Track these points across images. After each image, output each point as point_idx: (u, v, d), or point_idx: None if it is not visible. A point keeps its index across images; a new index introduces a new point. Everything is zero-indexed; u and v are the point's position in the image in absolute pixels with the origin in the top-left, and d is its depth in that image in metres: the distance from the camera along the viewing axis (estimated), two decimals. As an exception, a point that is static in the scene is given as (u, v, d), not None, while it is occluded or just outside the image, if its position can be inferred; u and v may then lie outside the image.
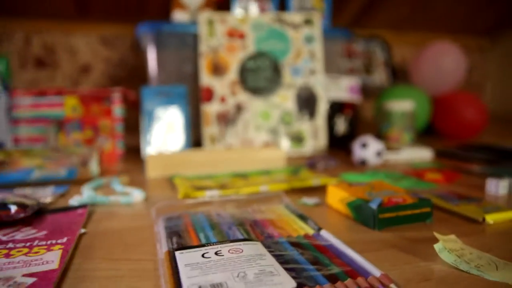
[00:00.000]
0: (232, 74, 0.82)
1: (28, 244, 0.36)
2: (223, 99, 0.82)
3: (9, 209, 0.42)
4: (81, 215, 0.44)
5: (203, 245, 0.33)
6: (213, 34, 0.82)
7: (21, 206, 0.43)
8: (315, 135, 0.84)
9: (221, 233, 0.37)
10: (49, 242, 0.36)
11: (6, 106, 0.73)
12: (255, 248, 0.33)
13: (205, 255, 0.31)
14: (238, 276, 0.28)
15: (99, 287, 0.29)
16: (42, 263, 0.31)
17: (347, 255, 0.32)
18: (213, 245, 0.33)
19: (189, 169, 0.66)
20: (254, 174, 0.63)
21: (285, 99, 0.84)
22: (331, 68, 0.94)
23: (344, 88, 0.93)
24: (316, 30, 0.85)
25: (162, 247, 0.34)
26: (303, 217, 0.41)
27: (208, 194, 0.50)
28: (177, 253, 0.32)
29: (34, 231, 0.40)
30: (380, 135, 0.97)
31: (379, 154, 0.68)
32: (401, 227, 0.41)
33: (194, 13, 0.90)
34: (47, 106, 0.77)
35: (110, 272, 0.31)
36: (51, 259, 0.32)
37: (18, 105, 0.76)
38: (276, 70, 0.84)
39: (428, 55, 1.04)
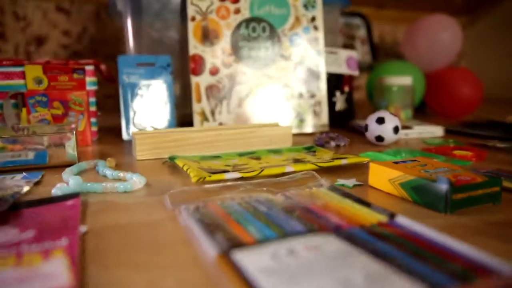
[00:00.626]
0: (224, 42, 0.73)
1: (13, 250, 0.26)
2: (214, 71, 0.73)
3: (-24, 203, 0.31)
4: (73, 208, 0.34)
5: (261, 242, 0.26)
6: (202, -5, 0.72)
7: (-8, 199, 0.32)
8: (315, 112, 0.78)
9: (273, 224, 0.29)
10: (42, 246, 0.27)
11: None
12: (333, 243, 0.25)
13: (276, 256, 0.24)
14: (340, 284, 0.20)
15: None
16: (45, 278, 0.22)
17: (450, 246, 0.26)
18: (275, 241, 0.26)
19: (184, 149, 0.57)
20: (264, 154, 0.56)
21: (284, 72, 0.76)
22: (327, 39, 0.87)
23: (342, 61, 0.87)
24: (317, -6, 0.78)
25: (207, 248, 0.26)
26: (363, 202, 0.34)
27: (227, 177, 0.42)
28: (237, 254, 0.24)
29: (14, 231, 0.30)
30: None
31: (396, 130, 0.63)
32: (471, 210, 0.35)
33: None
34: (3, 76, 0.64)
35: (149, 285, 0.23)
36: (56, 271, 0.23)
37: (-35, 76, 0.63)
38: (273, 39, 0.76)
39: (423, 28, 1.01)
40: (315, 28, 0.78)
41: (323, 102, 0.78)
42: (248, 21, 0.75)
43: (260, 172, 0.44)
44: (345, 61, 0.88)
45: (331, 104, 0.85)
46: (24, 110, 0.64)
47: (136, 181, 0.42)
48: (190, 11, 0.72)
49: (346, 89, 0.88)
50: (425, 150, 0.60)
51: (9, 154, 0.51)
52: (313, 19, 0.78)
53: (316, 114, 0.78)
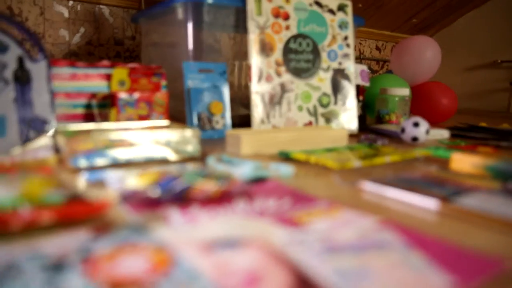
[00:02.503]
0: (277, 54, 0.88)
1: (301, 209, 0.39)
2: (269, 79, 0.87)
3: (224, 182, 0.43)
4: (281, 185, 0.47)
5: (451, 196, 0.42)
6: (261, 12, 0.86)
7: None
8: (347, 118, 0.96)
9: (439, 187, 0.45)
10: (315, 206, 0.40)
11: (47, 76, 0.65)
12: (497, 196, 0.43)
13: (485, 199, 0.40)
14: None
15: None
16: (355, 221, 0.36)
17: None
18: (458, 194, 0.42)
19: (274, 146, 0.70)
20: (344, 150, 0.71)
21: (323, 82, 0.93)
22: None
23: (357, 74, 1.06)
24: (349, 17, 0.96)
25: (426, 201, 0.41)
26: (475, 176, 0.52)
27: (355, 165, 0.57)
28: (458, 200, 0.39)
29: (273, 199, 0.42)
30: (380, 120, 1.13)
31: (427, 132, 0.83)
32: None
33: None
34: (90, 77, 0.71)
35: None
36: (350, 217, 0.37)
37: (56, 75, 0.68)
38: (315, 53, 0.92)
39: (409, 47, 1.25)
40: (347, 45, 0.96)
41: (353, 109, 0.97)
42: (295, 37, 0.90)
43: (371, 162, 0.60)
44: (359, 74, 1.07)
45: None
46: (114, 110, 0.71)
47: (287, 169, 0.55)
48: (250, 25, 0.85)
49: (361, 98, 1.07)
50: (456, 148, 0.80)
51: (124, 150, 0.60)
52: (345, 38, 0.96)
53: (347, 120, 0.96)
